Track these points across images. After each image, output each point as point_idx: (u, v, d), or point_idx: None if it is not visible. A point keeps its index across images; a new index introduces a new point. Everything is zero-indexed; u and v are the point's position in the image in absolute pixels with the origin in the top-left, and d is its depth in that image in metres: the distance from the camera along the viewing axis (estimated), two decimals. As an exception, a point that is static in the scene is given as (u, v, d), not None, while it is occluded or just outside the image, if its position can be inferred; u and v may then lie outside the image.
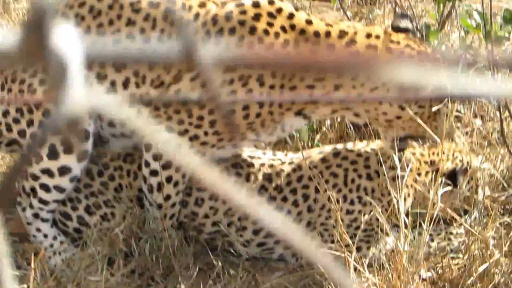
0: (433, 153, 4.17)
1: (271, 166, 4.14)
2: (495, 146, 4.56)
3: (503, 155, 4.41)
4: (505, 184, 4.30)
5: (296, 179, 4.12)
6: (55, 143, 3.81)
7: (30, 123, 3.93)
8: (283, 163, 4.17)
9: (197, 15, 3.80)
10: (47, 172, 3.88)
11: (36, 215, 4.03)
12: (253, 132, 3.92)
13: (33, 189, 3.97)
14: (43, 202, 3.98)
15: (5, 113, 4.00)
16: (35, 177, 3.93)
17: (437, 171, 4.04)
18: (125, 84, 3.84)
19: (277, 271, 4.21)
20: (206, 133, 3.82)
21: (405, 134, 3.97)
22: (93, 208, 4.11)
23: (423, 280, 3.90)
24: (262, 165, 4.14)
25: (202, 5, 3.83)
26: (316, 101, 3.90)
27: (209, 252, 4.14)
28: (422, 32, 4.76)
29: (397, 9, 4.92)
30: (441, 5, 4.60)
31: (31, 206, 4.02)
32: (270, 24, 3.75)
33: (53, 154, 3.85)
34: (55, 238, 4.06)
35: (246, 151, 4.19)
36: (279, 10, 3.79)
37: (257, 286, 4.08)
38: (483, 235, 3.93)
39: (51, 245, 4.05)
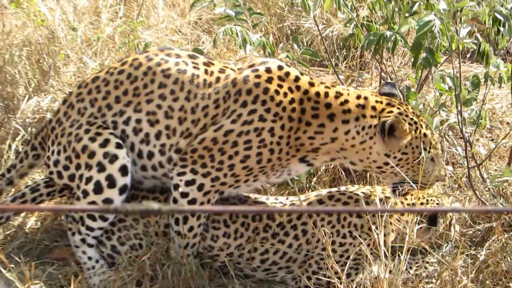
0: (414, 197, 4.09)
1: (275, 207, 4.13)
2: (464, 189, 4.46)
3: (470, 197, 4.32)
4: (470, 222, 4.20)
5: (296, 217, 4.06)
6: (100, 179, 3.78)
7: (78, 167, 3.88)
8: (284, 204, 4.14)
9: (218, 79, 3.85)
10: (93, 204, 3.81)
11: (83, 240, 3.96)
12: (264, 175, 3.93)
13: (81, 218, 3.92)
14: (90, 229, 3.93)
15: (56, 163, 3.97)
16: (84, 210, 3.87)
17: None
18: (158, 136, 3.85)
19: None
20: (225, 175, 3.82)
21: (400, 180, 3.95)
22: (124, 239, 4.06)
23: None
24: (266, 207, 4.12)
25: (222, 71, 3.90)
26: (317, 150, 3.90)
27: (222, 276, 4.09)
28: (404, 92, 4.68)
29: (383, 74, 4.84)
30: (420, 71, 4.49)
31: (79, 232, 3.95)
32: (280, 86, 3.80)
33: (98, 189, 3.81)
34: (97, 261, 3.99)
35: (252, 196, 4.20)
36: (287, 74, 3.85)
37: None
38: (452, 265, 3.87)
39: (93, 267, 3.98)
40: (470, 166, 4.24)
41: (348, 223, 4.02)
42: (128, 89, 3.87)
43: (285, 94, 3.80)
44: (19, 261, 3.93)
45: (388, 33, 4.39)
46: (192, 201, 3.84)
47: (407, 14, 4.57)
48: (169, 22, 6.12)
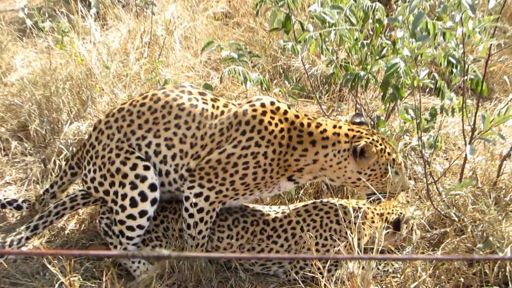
0: (383, 208, 4.14)
1: (269, 215, 4.13)
2: (423, 200, 4.45)
3: (428, 207, 4.30)
4: (428, 227, 4.19)
5: (287, 223, 4.08)
6: (134, 195, 3.82)
7: (112, 184, 3.90)
8: (277, 213, 4.16)
9: (222, 112, 3.92)
10: (131, 216, 3.87)
11: (125, 249, 3.98)
12: (258, 190, 3.99)
13: (121, 232, 3.93)
14: (130, 238, 3.95)
15: (92, 180, 4.00)
16: (122, 222, 3.91)
17: (385, 219, 4.06)
18: (173, 157, 3.90)
19: (272, 283, 4.12)
20: (227, 189, 3.88)
21: (371, 191, 4.02)
22: (147, 241, 4.09)
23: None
24: (262, 214, 4.13)
25: (225, 105, 3.97)
26: (302, 170, 3.97)
27: (226, 270, 4.10)
28: (375, 120, 4.68)
29: (357, 105, 4.84)
30: (387, 103, 4.49)
31: (120, 243, 3.97)
32: (272, 118, 3.88)
33: (133, 203, 3.85)
34: (139, 261, 4.03)
35: (250, 206, 4.22)
36: (278, 108, 3.93)
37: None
38: (413, 263, 3.90)
39: (138, 267, 4.02)
40: (428, 182, 4.22)
41: (329, 228, 4.03)
42: (149, 119, 3.91)
43: (276, 125, 3.87)
44: (61, 257, 3.95)
45: (362, 73, 4.39)
46: (200, 210, 3.91)
47: (377, 57, 4.57)
48: (184, 61, 6.11)
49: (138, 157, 3.87)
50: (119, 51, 6.07)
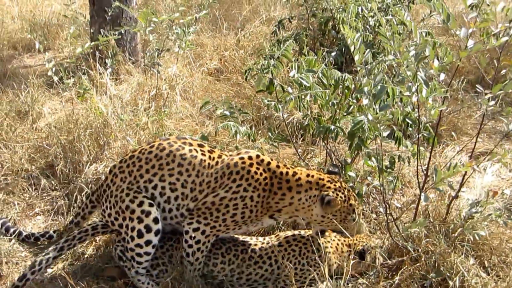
0: (351, 240, 4.10)
1: (256, 244, 4.08)
2: (384, 232, 4.35)
3: (388, 238, 4.17)
4: (385, 257, 4.11)
5: (271, 251, 4.04)
6: (140, 228, 3.79)
7: (124, 219, 3.87)
8: (262, 243, 4.10)
9: (217, 163, 3.90)
10: (139, 245, 3.83)
11: (136, 272, 3.94)
12: (245, 225, 3.96)
13: (132, 257, 3.88)
14: (139, 263, 3.90)
15: (109, 215, 3.99)
16: (132, 250, 3.86)
17: (352, 250, 4.05)
18: (176, 198, 3.87)
19: None
20: (220, 225, 3.85)
21: (328, 228, 4.04)
22: (155, 266, 4.03)
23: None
24: (250, 244, 4.08)
25: (219, 156, 3.95)
26: (280, 210, 3.95)
27: None
28: (343, 164, 4.59)
29: (328, 151, 4.74)
30: (354, 152, 4.37)
31: (132, 266, 3.92)
32: (258, 168, 3.86)
33: (140, 234, 3.81)
34: (148, 283, 3.97)
35: (240, 237, 4.16)
36: (262, 160, 3.92)
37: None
38: (376, 287, 3.82)
39: (147, 285, 3.97)
40: (389, 220, 4.12)
41: (306, 257, 3.98)
42: (155, 165, 3.87)
43: (261, 174, 3.85)
44: (83, 285, 3.86)
45: (332, 126, 4.31)
46: (198, 242, 3.86)
47: (345, 113, 4.49)
48: (184, 111, 6.03)
49: (144, 196, 3.85)
50: (130, 102, 5.99)
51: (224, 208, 3.82)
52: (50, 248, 3.94)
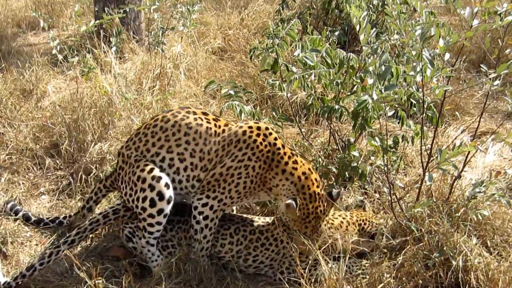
0: (359, 219, 4.12)
1: (263, 226, 4.07)
2: (387, 211, 4.36)
3: (391, 218, 4.16)
4: (389, 237, 4.05)
5: (276, 232, 4.04)
6: (153, 196, 3.75)
7: (135, 192, 3.85)
8: (269, 224, 4.10)
9: (223, 130, 3.88)
10: (151, 215, 3.80)
11: (147, 242, 3.92)
12: (245, 198, 3.94)
13: (144, 227, 3.86)
14: (150, 233, 3.88)
15: (125, 194, 3.96)
16: (144, 220, 3.84)
17: (362, 228, 4.07)
18: (185, 169, 3.85)
19: (261, 282, 4.04)
20: (225, 197, 3.84)
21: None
22: (165, 248, 4.04)
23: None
24: (257, 225, 4.08)
25: (226, 125, 3.94)
26: (271, 189, 3.93)
27: (223, 270, 4.03)
28: (346, 143, 4.56)
29: (332, 130, 4.72)
30: (358, 131, 4.34)
31: (144, 237, 3.89)
32: (264, 140, 3.87)
33: (153, 203, 3.78)
34: (159, 256, 3.97)
35: (248, 218, 4.17)
36: (270, 133, 3.91)
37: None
38: (380, 267, 3.81)
39: (156, 260, 3.96)
40: (393, 200, 4.11)
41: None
42: (161, 137, 3.85)
43: (265, 146, 3.83)
44: (89, 265, 3.85)
45: (336, 106, 4.28)
46: (206, 217, 3.84)
47: (349, 93, 4.46)
48: (188, 90, 6.00)
49: (153, 165, 3.83)
50: (135, 81, 5.96)
51: (230, 177, 3.79)
52: (61, 240, 3.89)
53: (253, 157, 3.79)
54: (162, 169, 3.84)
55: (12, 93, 5.88)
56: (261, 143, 3.82)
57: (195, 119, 3.86)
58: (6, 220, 4.37)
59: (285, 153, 3.88)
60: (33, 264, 3.80)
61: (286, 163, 3.86)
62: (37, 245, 4.27)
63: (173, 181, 3.86)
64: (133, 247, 4.02)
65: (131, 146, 3.94)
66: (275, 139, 3.89)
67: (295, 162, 3.88)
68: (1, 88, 5.86)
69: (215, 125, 3.88)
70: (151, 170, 3.78)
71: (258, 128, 3.87)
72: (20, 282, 3.79)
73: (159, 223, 3.83)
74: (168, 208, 3.81)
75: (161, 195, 3.76)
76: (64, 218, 4.39)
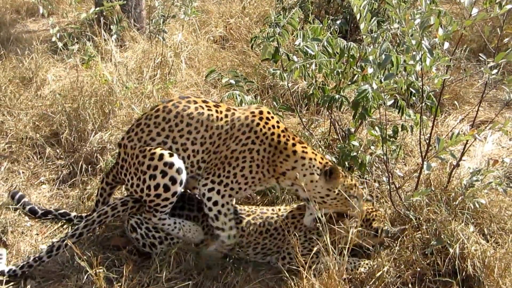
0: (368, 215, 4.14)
1: (272, 217, 4.13)
2: (386, 200, 4.46)
3: (390, 207, 4.29)
4: (390, 227, 4.13)
5: (285, 224, 4.09)
6: (166, 182, 3.83)
7: (144, 181, 3.90)
8: (278, 216, 4.15)
9: (226, 115, 3.95)
10: (165, 199, 3.88)
11: (159, 219, 3.97)
12: (253, 185, 3.98)
13: (155, 209, 3.92)
14: (161, 211, 3.95)
15: (132, 185, 3.99)
16: (158, 204, 3.91)
17: (368, 225, 4.08)
18: (189, 157, 3.94)
19: (262, 271, 4.09)
20: (232, 182, 3.90)
21: (335, 210, 4.04)
22: (161, 239, 4.05)
23: (344, 279, 3.79)
24: (267, 217, 4.13)
25: (228, 110, 4.00)
26: (284, 174, 3.96)
27: (226, 260, 4.07)
28: (346, 133, 4.66)
29: (332, 120, 4.81)
30: (358, 121, 4.45)
31: (154, 216, 3.95)
32: (266, 123, 3.94)
33: (167, 188, 3.85)
34: (174, 222, 4.01)
35: (258, 210, 4.21)
36: (272, 117, 4.00)
37: (250, 280, 3.97)
38: (379, 262, 3.89)
39: (175, 227, 4.00)
40: (392, 189, 4.21)
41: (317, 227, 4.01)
42: (165, 127, 3.91)
43: (269, 129, 3.91)
44: (90, 255, 3.91)
45: (337, 96, 4.37)
46: (215, 203, 3.92)
47: (349, 82, 4.55)
48: (189, 79, 6.09)
49: (161, 149, 3.88)
50: (135, 70, 6.04)
51: (235, 161, 3.87)
52: (69, 234, 3.92)
53: (257, 140, 3.88)
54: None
55: (11, 80, 5.94)
56: (264, 127, 3.90)
57: (196, 108, 3.92)
58: (6, 210, 4.42)
59: (289, 136, 3.96)
60: (41, 255, 3.85)
61: (294, 144, 3.94)
62: (37, 234, 4.31)
63: None
64: (135, 238, 4.05)
65: (133, 137, 3.96)
66: (277, 122, 3.98)
67: (301, 142, 3.99)
68: (0, 76, 5.92)
69: (217, 111, 3.95)
70: (161, 156, 3.83)
71: (260, 112, 3.96)
72: (26, 272, 3.86)
73: (171, 202, 3.91)
74: (180, 189, 3.90)
75: (173, 180, 3.83)
76: (75, 217, 4.41)
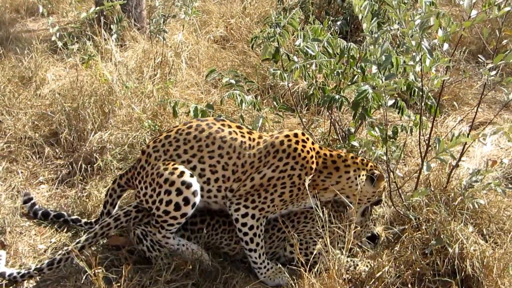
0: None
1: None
2: (386, 200, 4.46)
3: (390, 207, 4.34)
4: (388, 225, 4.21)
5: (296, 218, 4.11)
6: (178, 201, 3.78)
7: (158, 194, 3.82)
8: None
9: (258, 143, 3.93)
10: (173, 217, 3.83)
11: (163, 236, 3.92)
12: (291, 204, 4.00)
13: (161, 226, 3.89)
14: (167, 230, 3.91)
15: (145, 195, 3.92)
16: (165, 221, 3.86)
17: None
18: (216, 180, 3.88)
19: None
20: (268, 206, 3.88)
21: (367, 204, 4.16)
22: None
23: (344, 280, 3.83)
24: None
25: (260, 137, 3.98)
26: (326, 189, 4.03)
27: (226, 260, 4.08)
28: (346, 133, 4.71)
29: (332, 120, 4.85)
30: (358, 121, 4.49)
31: (159, 232, 3.92)
32: (304, 146, 3.91)
33: (177, 207, 3.80)
34: (178, 243, 3.96)
35: None
36: (308, 139, 3.98)
37: (250, 280, 3.95)
38: (379, 263, 3.91)
39: (178, 248, 3.93)
40: (392, 190, 4.25)
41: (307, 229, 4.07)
42: (194, 146, 3.86)
43: (308, 152, 3.89)
44: (88, 254, 3.93)
45: (337, 96, 4.41)
46: (251, 227, 3.88)
47: (349, 83, 4.59)
48: (189, 79, 6.12)
49: (184, 167, 3.84)
50: (135, 69, 6.07)
51: (272, 188, 3.83)
52: (72, 246, 3.87)
53: (297, 165, 3.85)
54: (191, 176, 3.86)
55: (10, 80, 5.97)
56: (302, 151, 3.88)
57: (230, 133, 3.90)
58: (5, 210, 4.43)
59: (326, 152, 4.01)
60: (42, 267, 3.85)
61: (334, 161, 3.99)
62: (36, 235, 4.32)
63: (201, 189, 3.88)
64: (141, 250, 4.02)
65: (159, 147, 3.93)
66: (313, 143, 3.99)
67: (339, 155, 4.03)
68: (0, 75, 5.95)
69: (250, 138, 3.93)
70: (182, 174, 3.80)
71: (295, 136, 3.95)
72: (26, 281, 3.87)
73: (179, 223, 3.87)
74: (191, 212, 3.84)
75: (187, 201, 3.79)
76: (86, 224, 4.38)
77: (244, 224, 3.86)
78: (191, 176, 3.81)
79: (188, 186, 3.77)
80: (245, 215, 3.85)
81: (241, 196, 3.86)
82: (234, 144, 3.86)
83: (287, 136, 3.92)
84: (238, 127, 3.97)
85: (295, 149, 3.86)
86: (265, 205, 3.86)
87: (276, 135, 3.96)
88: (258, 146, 3.91)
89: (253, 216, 3.86)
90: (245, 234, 3.89)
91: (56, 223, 4.41)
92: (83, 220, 4.39)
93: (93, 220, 4.38)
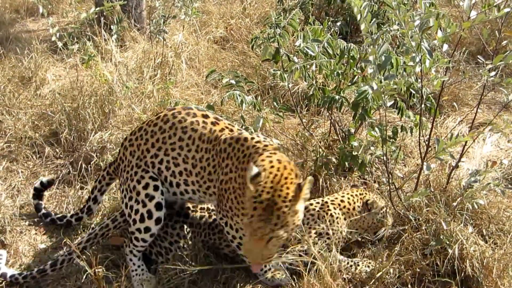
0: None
1: None
2: (385, 201, 4.47)
3: (390, 207, 4.32)
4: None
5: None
6: (143, 212, 3.74)
7: (130, 199, 3.81)
8: None
9: (216, 137, 3.69)
10: (138, 230, 3.79)
11: (131, 251, 3.90)
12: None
13: (131, 237, 3.87)
14: (135, 245, 3.86)
15: (123, 190, 3.91)
16: (132, 233, 3.83)
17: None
18: (180, 173, 3.79)
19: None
20: (233, 215, 3.64)
21: None
22: (167, 250, 4.00)
23: (344, 279, 3.84)
24: None
25: (222, 130, 3.72)
26: None
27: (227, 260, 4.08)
28: (346, 133, 4.72)
29: (332, 121, 4.86)
30: (358, 121, 4.50)
31: (128, 246, 3.90)
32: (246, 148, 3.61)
33: (142, 219, 3.76)
34: (139, 266, 3.91)
35: None
36: (253, 138, 3.64)
37: (250, 280, 3.96)
38: (383, 264, 3.92)
39: (136, 270, 3.90)
40: (391, 190, 4.26)
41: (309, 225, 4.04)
42: (159, 138, 3.78)
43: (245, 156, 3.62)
44: (89, 254, 3.95)
45: (337, 96, 4.42)
46: (233, 238, 3.79)
47: (349, 83, 4.60)
48: (189, 79, 6.13)
49: (150, 177, 3.78)
50: (136, 70, 6.08)
51: (225, 192, 3.65)
52: (73, 247, 3.86)
53: (237, 169, 3.60)
54: (160, 171, 3.80)
55: (10, 80, 5.97)
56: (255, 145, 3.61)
57: (192, 123, 3.75)
58: (4, 209, 4.44)
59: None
60: (45, 268, 3.87)
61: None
62: (36, 234, 4.34)
63: (171, 184, 3.83)
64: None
65: (134, 142, 3.89)
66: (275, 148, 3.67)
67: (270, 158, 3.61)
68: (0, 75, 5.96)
69: (210, 130, 3.73)
70: (146, 185, 3.77)
71: (244, 137, 3.66)
72: (28, 282, 3.89)
73: (144, 240, 3.82)
74: (155, 229, 3.79)
75: (150, 214, 3.75)
76: (72, 216, 4.37)
77: (227, 233, 3.80)
78: (156, 188, 3.77)
79: (151, 198, 3.75)
80: (226, 224, 3.76)
81: (217, 207, 3.76)
82: (194, 135, 3.72)
83: (232, 137, 3.67)
84: (204, 116, 3.78)
85: (237, 150, 3.61)
86: (229, 213, 3.68)
87: (240, 131, 3.73)
88: (214, 141, 3.70)
89: (231, 226, 3.73)
90: (232, 240, 3.82)
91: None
92: (69, 215, 4.39)
93: (78, 211, 4.38)
